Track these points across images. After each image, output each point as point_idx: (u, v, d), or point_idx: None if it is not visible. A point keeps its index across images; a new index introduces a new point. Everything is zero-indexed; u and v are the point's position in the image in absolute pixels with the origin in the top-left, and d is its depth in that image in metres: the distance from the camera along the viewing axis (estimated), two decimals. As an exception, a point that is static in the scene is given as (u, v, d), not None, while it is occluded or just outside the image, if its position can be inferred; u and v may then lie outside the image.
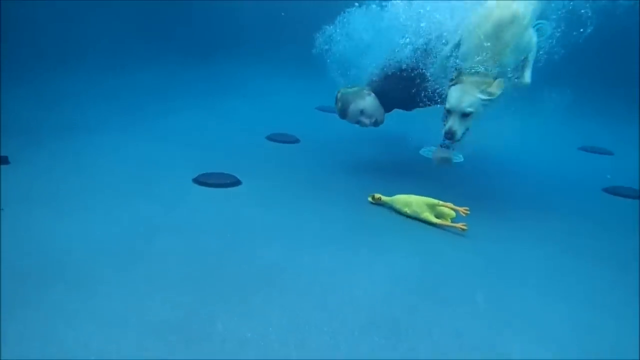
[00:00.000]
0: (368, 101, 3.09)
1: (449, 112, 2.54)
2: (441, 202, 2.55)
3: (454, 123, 2.51)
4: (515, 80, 2.56)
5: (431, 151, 2.85)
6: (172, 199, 2.67)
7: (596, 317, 1.90)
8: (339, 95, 3.16)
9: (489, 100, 2.47)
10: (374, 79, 3.14)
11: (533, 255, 2.37)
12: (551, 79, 2.69)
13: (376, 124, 3.15)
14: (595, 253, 2.42)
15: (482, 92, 2.45)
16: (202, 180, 2.92)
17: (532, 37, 2.54)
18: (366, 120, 3.11)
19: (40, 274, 1.91)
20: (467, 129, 2.57)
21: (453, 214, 2.54)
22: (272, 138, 3.93)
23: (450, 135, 2.52)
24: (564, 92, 2.78)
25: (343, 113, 3.12)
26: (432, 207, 2.57)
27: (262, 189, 2.91)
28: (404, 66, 2.97)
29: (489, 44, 2.43)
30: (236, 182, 2.95)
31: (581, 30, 2.57)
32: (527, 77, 2.53)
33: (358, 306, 1.84)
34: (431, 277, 2.09)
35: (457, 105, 2.48)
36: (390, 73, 3.06)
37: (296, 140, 3.93)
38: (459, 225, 2.48)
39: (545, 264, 2.30)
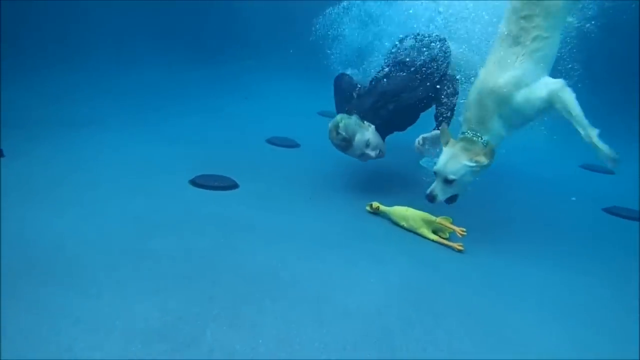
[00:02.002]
0: (372, 133, 2.87)
1: (435, 173, 2.48)
2: (438, 219, 2.52)
3: (436, 187, 2.46)
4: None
5: (432, 162, 2.80)
6: (168, 201, 2.63)
7: (592, 336, 1.87)
8: (341, 125, 2.80)
9: (477, 167, 2.37)
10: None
11: (530, 272, 2.33)
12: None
13: (381, 155, 2.93)
14: (592, 272, 2.38)
15: (470, 160, 2.37)
16: (199, 182, 2.87)
17: (535, 101, 2.34)
18: (372, 153, 2.86)
19: (28, 271, 1.87)
20: (456, 195, 2.51)
21: (450, 229, 2.51)
22: (272, 142, 3.89)
23: (431, 198, 2.46)
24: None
25: (346, 144, 2.83)
26: (429, 223, 2.54)
27: (259, 194, 2.87)
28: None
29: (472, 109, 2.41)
30: (233, 185, 2.91)
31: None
32: (584, 133, 2.30)
33: (352, 318, 1.80)
34: (427, 290, 2.05)
35: (441, 170, 2.43)
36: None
37: (296, 145, 3.90)
38: (456, 245, 2.44)
39: (542, 281, 2.26)
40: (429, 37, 3.02)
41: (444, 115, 2.77)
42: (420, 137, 2.75)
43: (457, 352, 1.68)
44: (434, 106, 2.92)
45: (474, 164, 2.36)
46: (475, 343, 1.74)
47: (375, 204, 2.75)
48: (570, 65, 2.52)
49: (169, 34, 5.46)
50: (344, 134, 2.80)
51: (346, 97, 3.06)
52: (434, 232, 2.54)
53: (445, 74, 2.89)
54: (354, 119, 2.83)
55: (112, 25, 5.11)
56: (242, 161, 3.36)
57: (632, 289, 2.25)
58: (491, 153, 2.35)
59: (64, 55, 4.75)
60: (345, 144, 2.83)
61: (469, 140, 2.41)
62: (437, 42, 2.96)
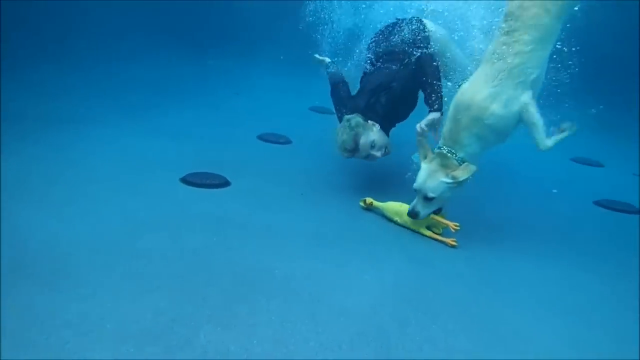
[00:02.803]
0: (377, 133, 2.81)
1: (415, 190, 2.47)
2: (432, 215, 2.51)
3: (417, 203, 2.46)
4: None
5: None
6: (159, 199, 2.58)
7: (590, 333, 1.87)
8: (343, 136, 2.75)
9: (454, 184, 2.35)
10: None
11: (524, 267, 2.33)
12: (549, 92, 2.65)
13: (387, 153, 2.88)
14: (587, 267, 2.39)
15: (447, 175, 2.36)
16: (190, 180, 2.83)
17: (509, 118, 2.32)
18: (377, 153, 2.81)
19: (19, 272, 1.82)
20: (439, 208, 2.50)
21: (444, 224, 2.50)
22: (263, 138, 3.86)
23: (414, 215, 2.47)
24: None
25: (352, 148, 2.77)
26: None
27: (252, 191, 2.84)
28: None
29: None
30: (225, 183, 2.88)
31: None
32: (541, 143, 2.36)
33: (347, 317, 1.78)
34: (422, 288, 2.04)
35: (421, 188, 2.43)
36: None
37: (288, 141, 3.87)
38: (449, 240, 2.44)
39: (537, 276, 2.26)
40: (405, 21, 3.01)
41: (434, 98, 2.70)
42: (419, 125, 2.69)
43: (453, 351, 1.67)
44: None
45: (451, 181, 2.36)
46: (472, 341, 1.73)
47: (368, 200, 2.74)
48: (569, 62, 2.47)
49: (161, 30, 5.39)
50: (347, 141, 2.74)
51: (344, 103, 3.04)
52: (428, 227, 2.53)
53: (424, 51, 2.82)
54: (355, 122, 2.76)
55: (106, 23, 5.05)
56: (233, 158, 3.32)
57: (629, 284, 2.26)
58: (468, 170, 2.33)
59: (58, 53, 4.67)
60: (352, 148, 2.77)
61: (444, 156, 2.40)
62: (414, 24, 2.95)
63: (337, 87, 3.15)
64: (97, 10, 4.92)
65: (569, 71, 2.47)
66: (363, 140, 2.75)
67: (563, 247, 2.60)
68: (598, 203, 3.32)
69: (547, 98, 2.49)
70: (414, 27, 2.95)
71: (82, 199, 2.49)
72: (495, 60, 2.33)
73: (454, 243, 2.43)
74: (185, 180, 2.83)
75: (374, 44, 3.11)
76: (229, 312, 1.74)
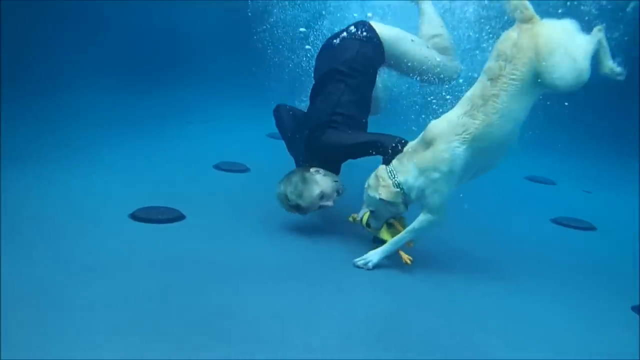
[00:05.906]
0: (322, 180, 2.56)
1: None
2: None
3: (368, 216, 2.47)
4: None
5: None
6: (105, 240, 2.37)
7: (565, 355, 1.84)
8: (281, 195, 2.58)
9: (383, 201, 2.32)
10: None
11: (492, 291, 2.29)
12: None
13: (339, 195, 2.65)
14: (553, 287, 2.39)
15: (375, 191, 2.35)
16: (141, 216, 2.64)
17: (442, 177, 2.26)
18: (329, 202, 2.58)
19: None
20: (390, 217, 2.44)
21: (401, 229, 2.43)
22: (219, 167, 3.71)
23: (367, 225, 2.48)
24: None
25: (299, 209, 2.58)
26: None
27: (209, 225, 2.67)
28: None
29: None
30: (179, 217, 2.70)
31: None
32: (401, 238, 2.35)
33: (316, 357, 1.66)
34: (393, 321, 1.94)
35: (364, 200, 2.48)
36: None
37: (246, 169, 3.74)
38: (405, 257, 2.35)
39: (505, 299, 2.22)
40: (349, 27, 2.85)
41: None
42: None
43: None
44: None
45: (377, 195, 2.34)
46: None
47: (356, 216, 2.60)
48: None
49: (105, 57, 5.14)
50: (288, 203, 2.58)
51: (289, 135, 2.93)
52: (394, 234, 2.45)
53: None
54: (292, 179, 2.55)
55: (44, 50, 4.75)
56: (187, 190, 3.15)
57: (597, 302, 2.28)
58: (390, 192, 2.31)
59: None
60: (299, 209, 2.58)
61: (384, 174, 2.37)
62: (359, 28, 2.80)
63: (280, 113, 3.04)
64: (35, 35, 4.62)
65: None
66: (307, 196, 2.51)
67: (528, 267, 2.60)
68: (555, 221, 3.39)
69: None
70: (358, 32, 2.77)
71: (20, 243, 2.25)
72: (466, 113, 2.22)
73: (408, 262, 2.35)
74: (135, 216, 2.64)
75: (317, 61, 2.92)
76: (186, 364, 1.57)
